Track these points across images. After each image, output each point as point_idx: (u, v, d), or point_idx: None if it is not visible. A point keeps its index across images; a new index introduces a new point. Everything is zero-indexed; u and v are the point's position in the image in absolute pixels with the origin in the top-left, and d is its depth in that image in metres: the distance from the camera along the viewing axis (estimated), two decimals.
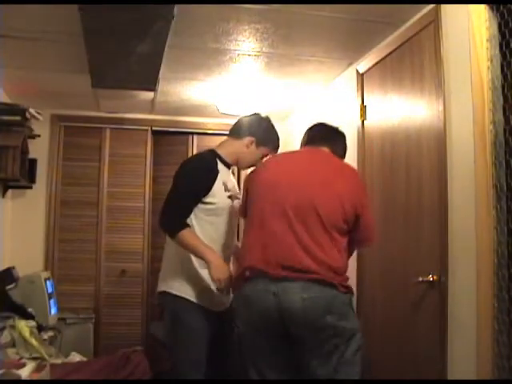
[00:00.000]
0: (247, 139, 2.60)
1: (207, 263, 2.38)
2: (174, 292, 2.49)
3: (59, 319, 4.01)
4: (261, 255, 2.07)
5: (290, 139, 4.77)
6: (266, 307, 2.01)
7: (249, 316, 2.11)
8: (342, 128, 2.61)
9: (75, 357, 2.53)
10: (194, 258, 2.48)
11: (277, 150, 2.68)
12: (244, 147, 2.61)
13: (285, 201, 2.10)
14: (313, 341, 2.02)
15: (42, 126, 4.35)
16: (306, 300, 1.97)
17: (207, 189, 2.46)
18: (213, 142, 5.06)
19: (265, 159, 2.59)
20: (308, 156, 2.33)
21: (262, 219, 2.13)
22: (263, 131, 2.63)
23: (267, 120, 2.67)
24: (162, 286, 2.53)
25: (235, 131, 2.67)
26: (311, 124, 2.49)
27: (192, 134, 5.01)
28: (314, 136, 2.44)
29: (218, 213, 2.51)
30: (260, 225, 2.13)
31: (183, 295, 2.48)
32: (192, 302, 2.48)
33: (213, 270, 2.34)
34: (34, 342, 2.61)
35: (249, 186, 2.30)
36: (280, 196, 2.12)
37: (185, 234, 2.39)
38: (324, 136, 2.44)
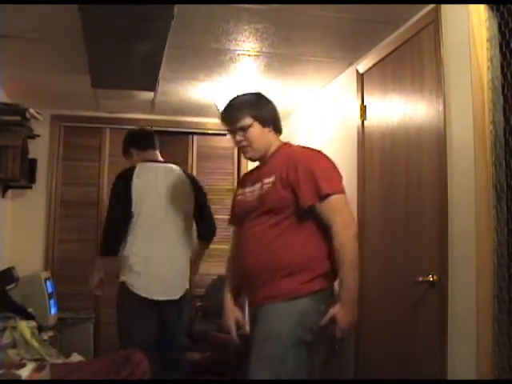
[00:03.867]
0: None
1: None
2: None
3: (59, 319, 4.01)
4: None
5: (290, 139, 4.77)
6: None
7: None
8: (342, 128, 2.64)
9: (76, 358, 2.53)
10: None
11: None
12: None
13: None
14: None
15: (42, 126, 4.35)
16: None
17: None
18: (213, 142, 5.14)
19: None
20: None
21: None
22: None
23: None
24: (186, 285, 2.96)
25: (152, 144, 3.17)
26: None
27: (192, 133, 5.02)
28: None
29: None
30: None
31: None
32: None
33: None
34: (35, 343, 2.61)
35: None
36: None
37: None
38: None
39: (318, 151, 2.15)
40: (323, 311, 1.92)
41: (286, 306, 1.93)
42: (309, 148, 2.20)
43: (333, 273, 1.98)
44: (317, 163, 2.04)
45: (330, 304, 1.93)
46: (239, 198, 2.21)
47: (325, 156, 2.11)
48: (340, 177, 2.05)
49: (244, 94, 2.25)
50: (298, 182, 1.97)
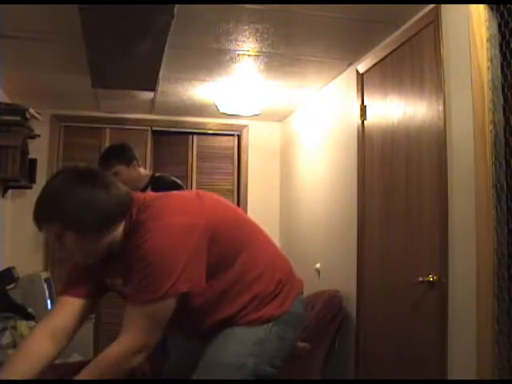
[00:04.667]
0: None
1: None
2: None
3: None
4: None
5: (290, 139, 4.78)
6: None
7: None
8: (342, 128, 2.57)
9: (76, 358, 2.53)
10: None
11: None
12: None
13: None
14: None
15: (42, 126, 4.35)
16: None
17: None
18: (213, 142, 5.14)
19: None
20: None
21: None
22: None
23: None
24: None
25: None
26: None
27: (192, 134, 5.03)
28: None
29: None
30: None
31: None
32: None
33: None
34: None
35: None
36: None
37: None
38: None
39: (167, 241, 1.43)
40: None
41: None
42: (158, 233, 1.44)
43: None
44: (152, 258, 1.42)
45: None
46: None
47: (167, 246, 1.43)
48: (174, 278, 1.41)
49: (54, 181, 1.49)
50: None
